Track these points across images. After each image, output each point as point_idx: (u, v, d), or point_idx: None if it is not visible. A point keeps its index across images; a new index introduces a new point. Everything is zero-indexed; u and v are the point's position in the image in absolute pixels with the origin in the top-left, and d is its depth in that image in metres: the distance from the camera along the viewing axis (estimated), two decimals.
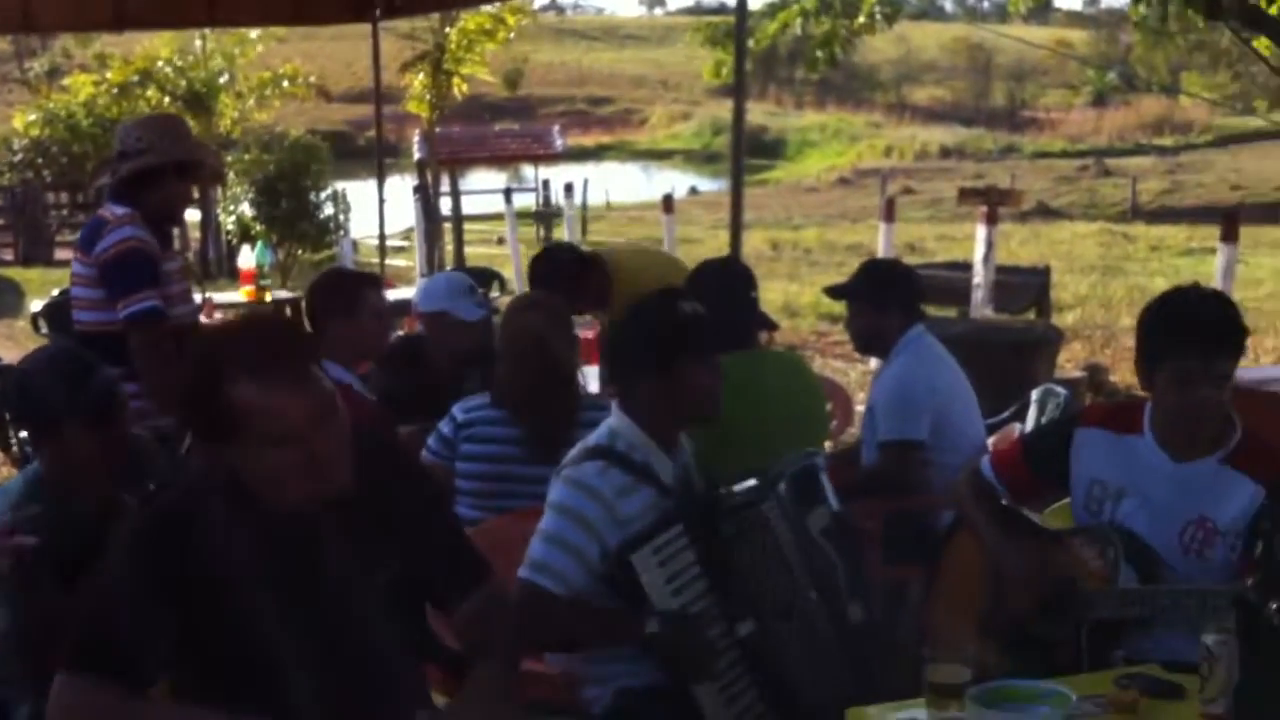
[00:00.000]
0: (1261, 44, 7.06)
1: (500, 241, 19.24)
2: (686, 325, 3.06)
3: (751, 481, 3.09)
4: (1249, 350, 10.33)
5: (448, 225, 17.30)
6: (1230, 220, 7.97)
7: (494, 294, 8.67)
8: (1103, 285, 15.36)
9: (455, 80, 13.92)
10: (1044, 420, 4.61)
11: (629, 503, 2.98)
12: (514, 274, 13.93)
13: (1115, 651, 2.88)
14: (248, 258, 8.84)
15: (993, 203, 9.61)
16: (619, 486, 2.98)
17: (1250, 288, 14.35)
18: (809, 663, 3.03)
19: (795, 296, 13.56)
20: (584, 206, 25.11)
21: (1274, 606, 2.12)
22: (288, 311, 8.12)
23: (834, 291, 4.74)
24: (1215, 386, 2.86)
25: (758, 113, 44.18)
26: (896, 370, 4.41)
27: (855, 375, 9.50)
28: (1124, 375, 9.51)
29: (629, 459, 3.02)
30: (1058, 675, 2.60)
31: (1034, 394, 4.84)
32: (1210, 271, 8.41)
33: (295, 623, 2.33)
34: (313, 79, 20.03)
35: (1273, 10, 6.78)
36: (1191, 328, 2.88)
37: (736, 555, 2.98)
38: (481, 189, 24.61)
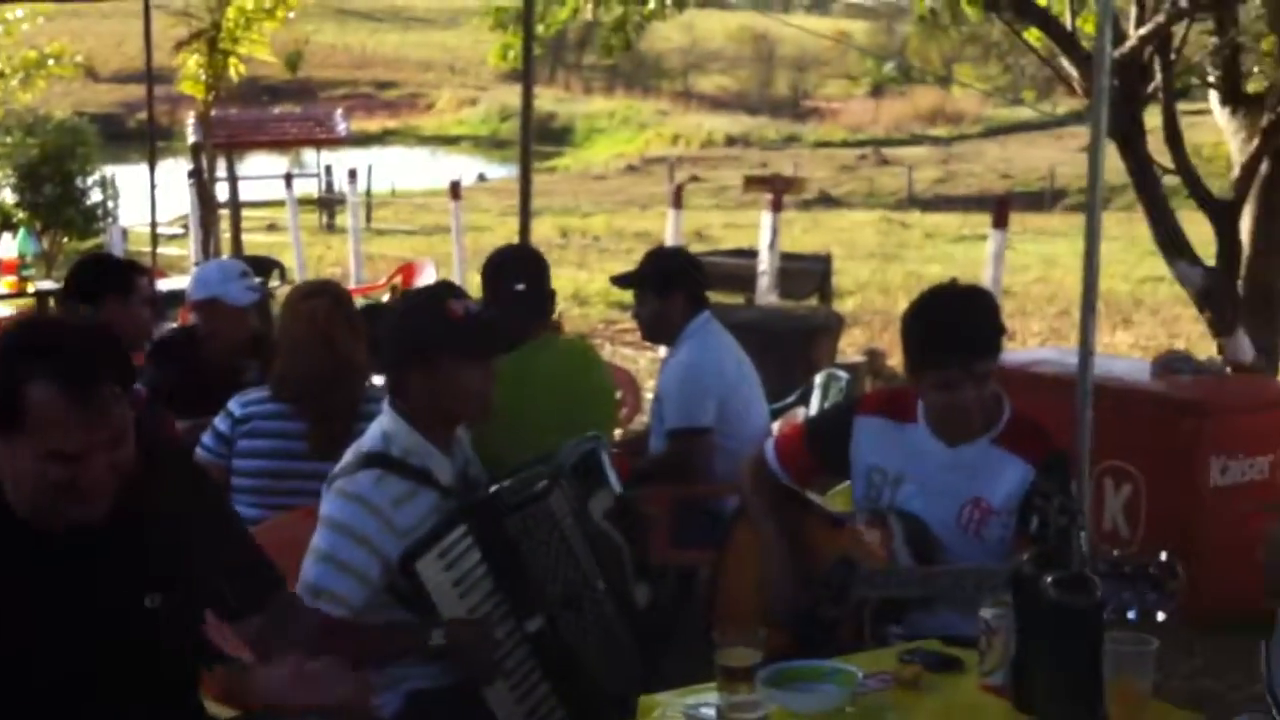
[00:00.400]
0: (1032, 35, 7.36)
1: (271, 228, 18.78)
2: (457, 323, 2.93)
3: (535, 472, 3.05)
4: (1017, 333, 10.91)
5: (224, 212, 16.74)
6: (1001, 208, 8.28)
7: (274, 283, 8.41)
8: (881, 272, 15.86)
9: (232, 60, 13.42)
10: (827, 404, 4.71)
11: (407, 511, 2.85)
12: (295, 262, 13.58)
13: (893, 629, 2.96)
14: (9, 247, 8.39)
15: (778, 190, 9.80)
16: (396, 496, 2.84)
17: (1018, 273, 15.00)
18: (601, 653, 3.02)
19: (585, 284, 13.60)
20: (368, 193, 24.66)
21: (1049, 579, 2.18)
22: (51, 304, 7.72)
23: (621, 281, 4.74)
24: (977, 386, 2.97)
25: (546, 98, 44.14)
26: (683, 357, 4.43)
27: (644, 363, 9.56)
28: (900, 359, 9.82)
29: (405, 464, 2.88)
30: (841, 655, 2.64)
31: (817, 378, 4.94)
32: (982, 257, 8.73)
33: (58, 648, 2.19)
34: (80, 58, 19.06)
35: (1041, 1, 7.07)
36: (950, 339, 2.98)
37: (523, 551, 2.93)
38: (260, 174, 23.92)
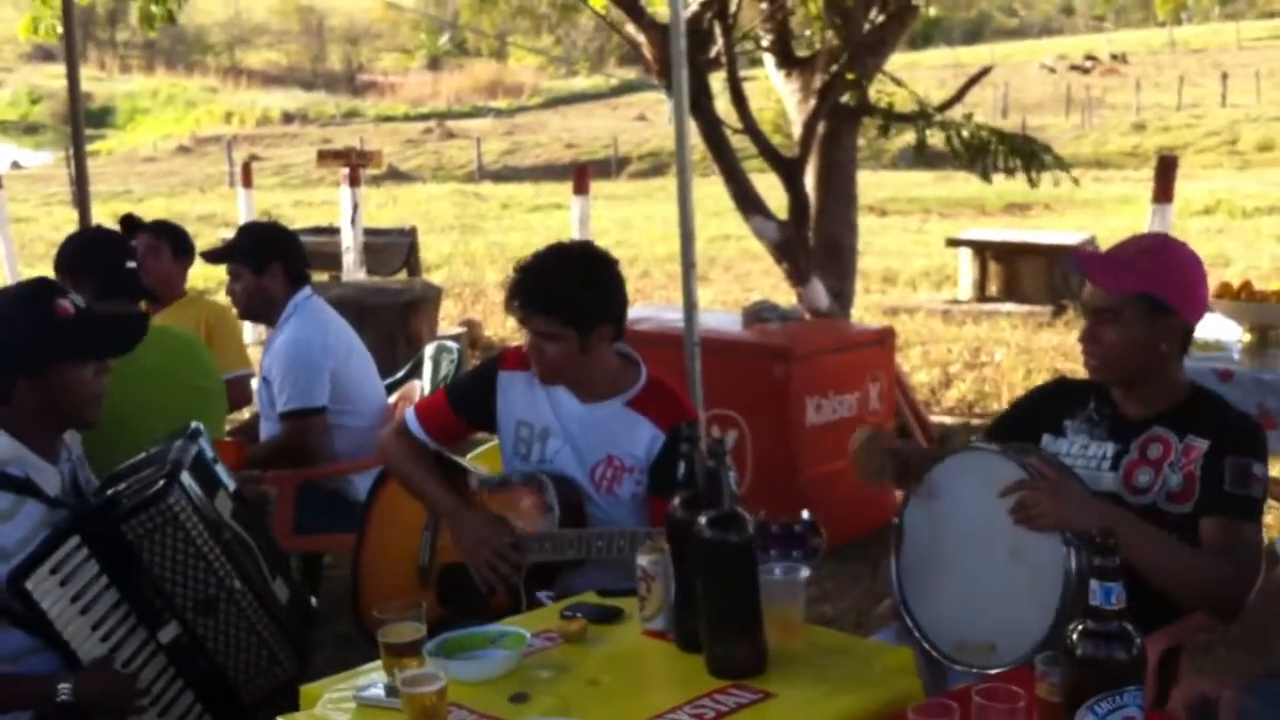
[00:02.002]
0: (597, 3, 7.51)
1: None
2: (69, 323, 2.74)
3: (148, 473, 2.86)
4: None
5: None
6: (581, 175, 8.48)
7: None
8: (464, 243, 15.92)
9: None
10: (441, 376, 4.66)
11: (10, 530, 2.65)
12: None
13: (543, 593, 2.98)
14: None
15: (354, 164, 9.57)
16: None
17: (598, 238, 15.39)
18: (244, 652, 2.88)
19: None
20: None
21: (702, 520, 2.25)
22: None
23: (213, 256, 4.49)
24: (539, 340, 3.01)
25: (81, 78, 41.27)
26: (288, 336, 4.25)
27: None
28: (496, 329, 9.91)
29: (6, 476, 2.68)
30: (501, 620, 2.63)
31: (427, 351, 4.87)
32: (559, 225, 8.93)
33: None
34: None
35: None
36: (511, 288, 3.03)
37: (146, 558, 2.74)
38: None
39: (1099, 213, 17.50)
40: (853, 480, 5.22)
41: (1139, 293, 2.60)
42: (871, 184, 22.39)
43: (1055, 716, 1.82)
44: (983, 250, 11.51)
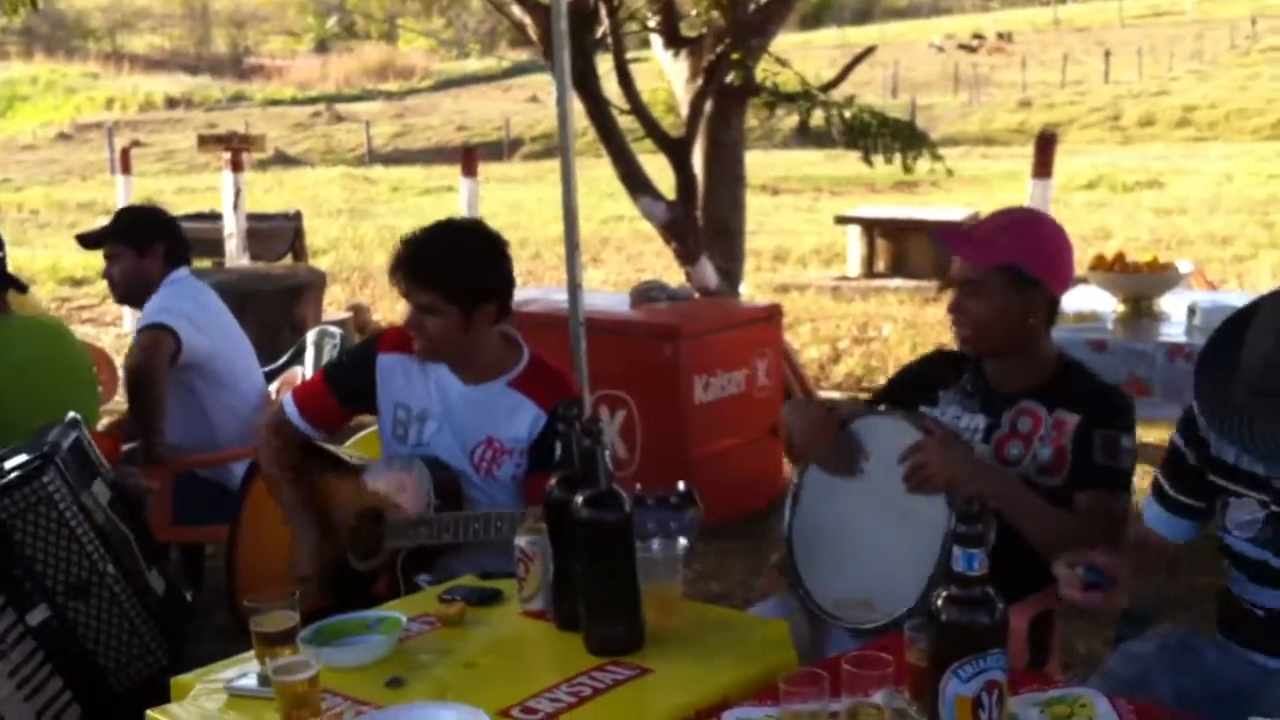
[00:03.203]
0: None
1: None
2: None
3: (24, 457, 2.79)
4: None
5: None
6: (469, 157, 8.40)
7: None
8: (352, 228, 15.72)
9: None
10: (324, 362, 4.60)
11: None
12: None
13: (423, 577, 2.95)
14: None
15: (235, 149, 9.38)
16: None
17: (489, 219, 15.25)
18: (116, 640, 2.82)
19: (26, 263, 12.48)
20: None
21: (579, 499, 2.25)
22: None
23: (88, 239, 4.37)
24: (420, 314, 2.97)
25: None
26: (152, 305, 4.16)
27: (110, 339, 8.99)
28: (384, 313, 9.81)
29: None
30: (379, 606, 2.61)
31: (310, 336, 4.80)
32: (450, 208, 8.85)
33: None
34: None
35: None
36: (394, 260, 2.99)
37: (18, 538, 2.67)
38: None
39: (986, 189, 17.79)
40: (742, 458, 5.34)
41: (1003, 264, 2.64)
42: (764, 163, 22.55)
43: (922, 680, 1.85)
44: (871, 227, 11.66)
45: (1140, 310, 4.80)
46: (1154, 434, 4.68)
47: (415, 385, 3.11)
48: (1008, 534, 2.51)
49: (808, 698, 1.84)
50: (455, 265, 2.97)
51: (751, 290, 10.55)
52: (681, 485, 2.41)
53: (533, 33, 6.80)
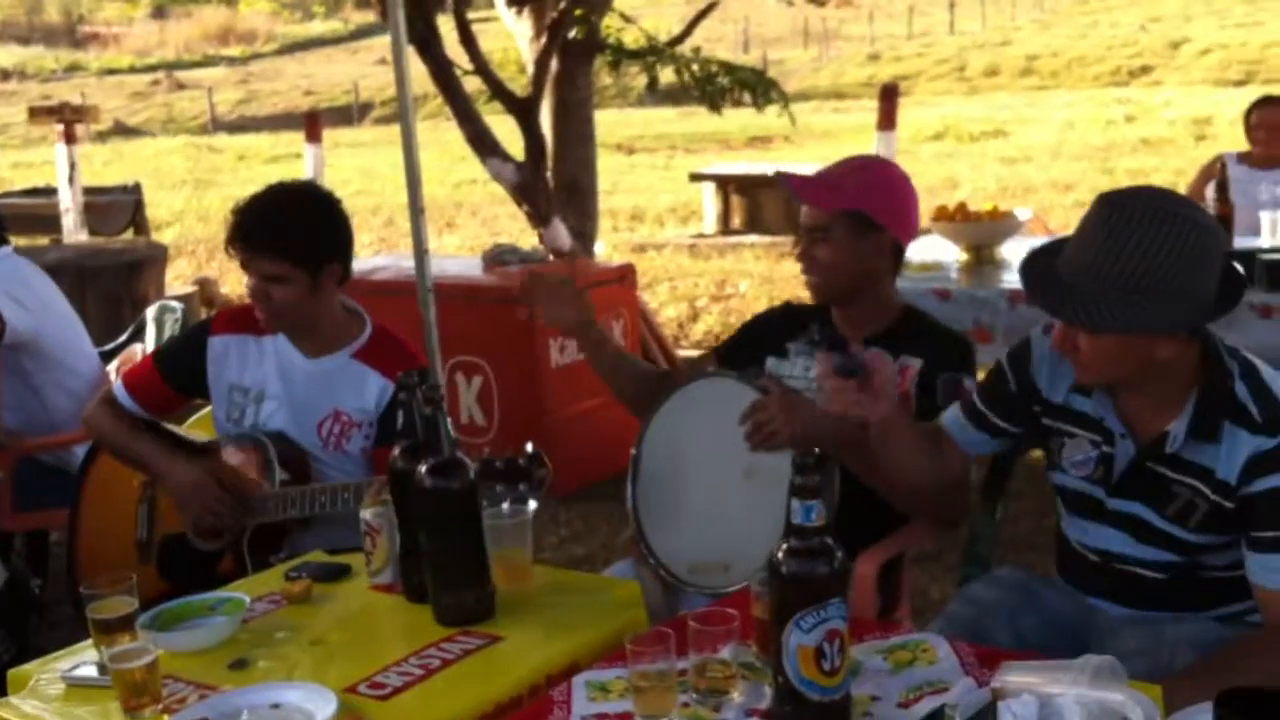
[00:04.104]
0: None
1: None
2: None
3: None
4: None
5: None
6: (312, 122, 8.22)
7: None
8: (197, 199, 15.32)
9: None
10: (166, 338, 4.46)
11: None
12: None
13: (273, 556, 2.89)
14: None
15: (68, 120, 9.04)
16: None
17: (340, 187, 14.98)
18: None
19: None
20: None
21: (423, 468, 2.21)
22: None
23: None
24: (266, 285, 2.89)
25: None
26: None
27: None
28: (234, 286, 9.57)
29: None
30: (225, 586, 2.55)
31: (149, 313, 4.65)
32: (297, 175, 8.65)
33: None
34: None
35: None
36: (231, 227, 2.91)
37: None
38: None
39: (837, 143, 18.01)
40: (600, 420, 5.33)
41: (848, 210, 2.66)
42: (619, 122, 22.54)
43: (768, 634, 1.86)
44: (725, 184, 11.73)
45: (982, 258, 4.90)
46: None
47: (251, 366, 3.03)
48: (856, 483, 2.54)
49: (655, 657, 1.85)
50: (296, 228, 2.89)
51: (609, 250, 10.55)
52: (529, 446, 2.39)
53: None
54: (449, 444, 2.23)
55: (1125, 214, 2.07)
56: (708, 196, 11.92)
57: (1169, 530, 2.23)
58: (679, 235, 11.98)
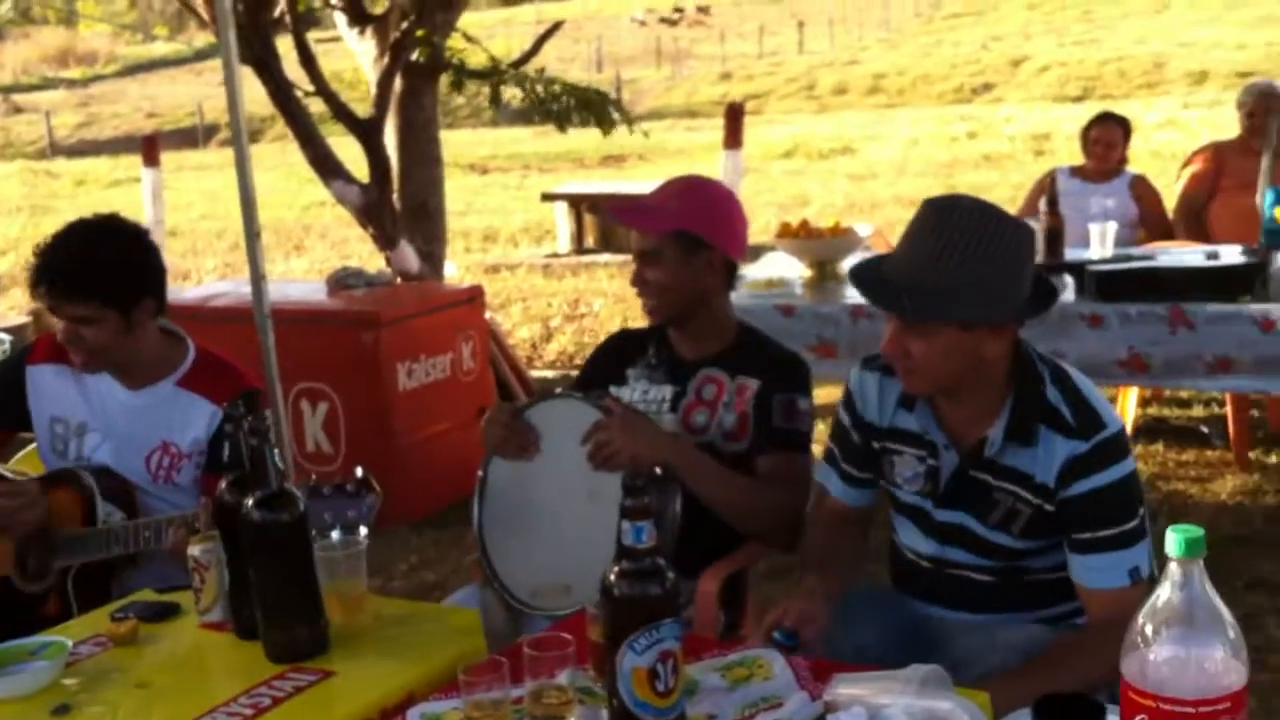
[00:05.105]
0: None
1: None
2: None
3: None
4: (193, 272, 10.74)
5: None
6: (150, 145, 7.98)
7: None
8: (34, 226, 14.83)
9: None
10: None
11: None
12: None
13: (109, 592, 2.79)
14: None
15: None
16: None
17: (184, 211, 14.67)
18: None
19: None
20: None
21: (250, 502, 2.15)
22: None
23: None
24: (77, 327, 2.76)
25: None
26: None
27: None
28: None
29: None
30: (50, 629, 2.45)
31: None
32: (138, 200, 8.41)
33: None
34: None
35: None
36: (37, 277, 2.75)
37: None
38: None
39: (690, 161, 18.19)
40: (451, 443, 5.27)
41: (674, 231, 2.69)
42: (472, 142, 22.43)
43: (604, 657, 1.84)
44: (578, 203, 11.75)
45: (825, 274, 4.96)
46: (840, 394, 4.86)
47: (72, 397, 2.92)
48: (698, 502, 2.55)
49: (490, 685, 1.82)
50: (103, 268, 2.76)
51: (461, 272, 10.47)
52: (359, 471, 2.35)
53: (204, 13, 6.50)
54: (276, 475, 2.18)
55: (949, 216, 2.18)
56: (560, 216, 11.93)
57: (992, 538, 2.30)
58: (532, 255, 11.95)
